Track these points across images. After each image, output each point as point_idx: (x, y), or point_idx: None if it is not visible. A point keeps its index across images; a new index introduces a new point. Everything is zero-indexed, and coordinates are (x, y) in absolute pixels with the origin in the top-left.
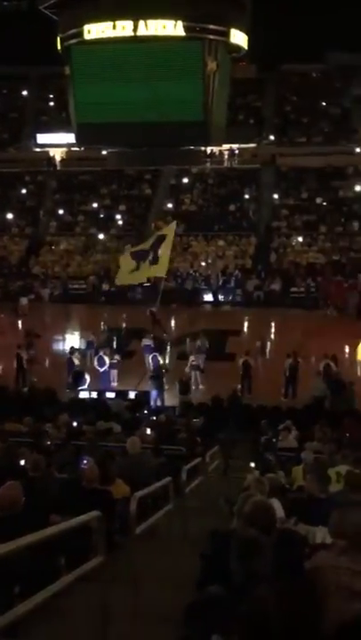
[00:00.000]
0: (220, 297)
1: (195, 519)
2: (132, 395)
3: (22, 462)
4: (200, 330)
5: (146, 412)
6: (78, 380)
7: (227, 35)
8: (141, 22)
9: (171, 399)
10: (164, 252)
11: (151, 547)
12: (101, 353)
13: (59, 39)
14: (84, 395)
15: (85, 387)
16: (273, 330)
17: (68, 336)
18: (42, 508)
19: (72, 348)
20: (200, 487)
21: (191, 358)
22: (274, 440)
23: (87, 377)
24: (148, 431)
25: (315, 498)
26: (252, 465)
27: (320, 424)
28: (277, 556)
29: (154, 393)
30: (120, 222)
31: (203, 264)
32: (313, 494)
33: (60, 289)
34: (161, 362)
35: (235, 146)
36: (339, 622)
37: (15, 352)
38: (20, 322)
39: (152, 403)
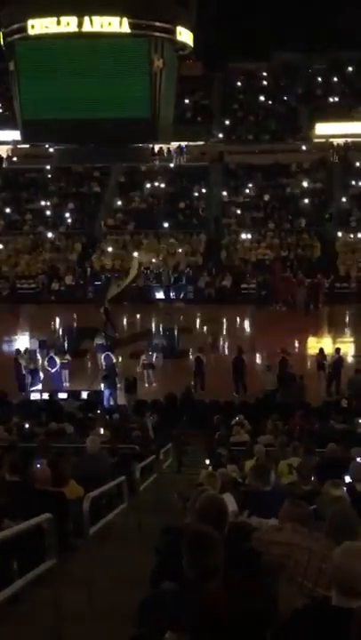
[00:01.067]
0: (172, 294)
1: (149, 516)
2: (84, 395)
3: None
4: (152, 328)
5: (99, 411)
6: (29, 380)
7: (173, 32)
8: (86, 18)
9: (124, 398)
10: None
11: (106, 546)
12: (52, 353)
13: (1, 34)
14: (35, 396)
15: (37, 387)
16: (224, 326)
17: (16, 337)
18: None
19: (17, 349)
20: (154, 485)
21: (142, 357)
22: (227, 435)
23: (37, 377)
24: (102, 431)
25: (260, 491)
26: (207, 461)
27: (272, 418)
28: (229, 550)
29: (107, 392)
30: (69, 220)
31: (153, 261)
32: (257, 488)
33: (7, 289)
34: (114, 360)
35: (183, 143)
36: (290, 609)
37: None
38: None
39: (105, 402)
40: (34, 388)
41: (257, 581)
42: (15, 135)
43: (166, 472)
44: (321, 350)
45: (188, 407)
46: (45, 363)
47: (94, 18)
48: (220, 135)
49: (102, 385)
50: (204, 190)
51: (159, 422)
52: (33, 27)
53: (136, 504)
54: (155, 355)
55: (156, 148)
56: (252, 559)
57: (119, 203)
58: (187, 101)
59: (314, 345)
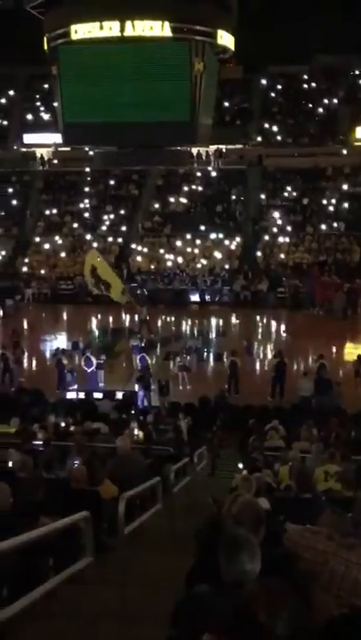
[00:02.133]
0: (207, 297)
1: (183, 519)
2: (119, 395)
3: (10, 463)
4: (187, 330)
5: (133, 412)
6: (68, 379)
7: (213, 36)
8: (128, 23)
9: (157, 400)
10: (106, 276)
11: (139, 547)
12: (88, 353)
13: (45, 39)
14: (71, 395)
15: (74, 387)
16: (260, 330)
17: (54, 336)
18: (30, 509)
19: (58, 348)
20: (188, 487)
21: (178, 359)
22: (261, 440)
23: (72, 377)
24: (136, 431)
25: (301, 497)
26: (240, 465)
27: (307, 424)
28: (266, 554)
29: (141, 393)
30: (107, 222)
31: (190, 264)
32: (296, 495)
33: (47, 289)
34: (149, 362)
35: (222, 147)
36: (327, 618)
37: (0, 352)
38: (5, 323)
39: (139, 403)
40: (70, 388)
41: (293, 586)
42: (56, 138)
43: (200, 475)
44: (359, 357)
45: (221, 411)
46: (82, 362)
47: (136, 22)
48: (259, 138)
49: (136, 386)
50: (241, 194)
51: (193, 425)
52: (76, 32)
53: (170, 506)
54: (189, 357)
55: (195, 150)
56: (288, 564)
57: (156, 205)
58: (226, 104)
59: (351, 351)
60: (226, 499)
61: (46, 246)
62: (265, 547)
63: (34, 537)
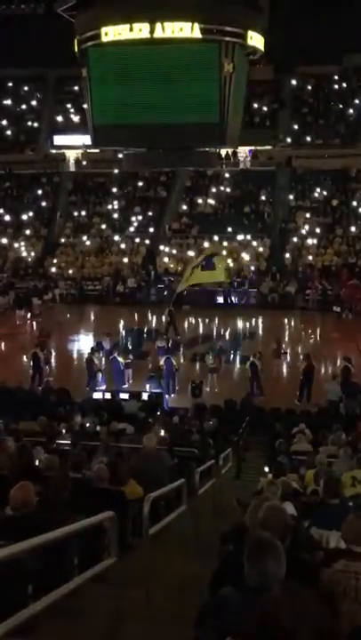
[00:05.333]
0: (235, 299)
1: (207, 521)
2: (145, 396)
3: (37, 462)
4: (215, 332)
5: (159, 413)
6: (97, 379)
7: (243, 37)
8: (158, 25)
9: (183, 401)
10: (219, 262)
11: (164, 548)
12: (116, 354)
13: (75, 41)
14: (97, 395)
15: (102, 387)
16: (288, 332)
17: (82, 336)
18: (55, 507)
19: (92, 348)
20: (213, 489)
21: (209, 360)
22: (288, 444)
23: (101, 377)
24: (162, 432)
25: (327, 502)
26: (266, 468)
27: (334, 428)
28: (291, 560)
29: (166, 394)
30: (135, 224)
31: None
32: (323, 500)
33: (74, 289)
34: (174, 364)
35: (251, 148)
36: (351, 626)
37: (32, 351)
38: (33, 322)
39: (165, 404)
40: (96, 388)
41: (319, 591)
42: (86, 140)
43: (225, 477)
44: None
45: (248, 413)
46: (108, 362)
47: (166, 24)
48: (289, 139)
49: (147, 385)
50: (270, 195)
51: (218, 427)
52: (106, 34)
53: (195, 508)
54: (216, 359)
55: (223, 152)
56: (314, 571)
57: (184, 207)
58: (255, 105)
59: None
60: (251, 502)
61: (74, 247)
62: (290, 552)
63: (59, 535)
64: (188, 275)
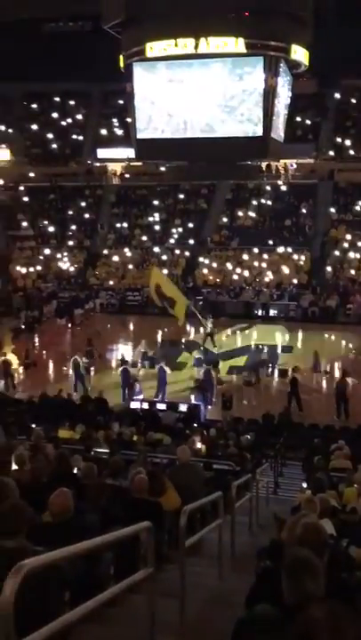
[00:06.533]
0: (274, 312)
1: (243, 535)
2: (183, 407)
3: (75, 470)
4: (252, 345)
5: (196, 425)
6: (133, 390)
7: (288, 51)
8: (203, 40)
9: (219, 413)
10: (171, 293)
11: (199, 561)
12: (162, 364)
13: (121, 57)
14: (135, 405)
15: (140, 397)
16: (327, 347)
17: (122, 346)
18: (93, 515)
19: (124, 358)
20: (249, 504)
21: (244, 373)
22: (326, 460)
23: (138, 387)
24: (199, 445)
25: None
26: (304, 485)
27: None
28: (329, 578)
29: (202, 406)
30: (175, 236)
31: (256, 279)
32: None
33: (115, 300)
34: (213, 375)
35: (293, 161)
36: None
37: (74, 359)
38: (74, 331)
39: (202, 417)
40: (134, 398)
41: (357, 610)
42: (129, 153)
43: (262, 492)
44: None
45: (286, 428)
46: (157, 373)
47: (210, 39)
48: (332, 153)
49: (192, 396)
50: (311, 208)
51: (255, 441)
52: (152, 49)
53: (231, 521)
54: (254, 372)
55: (264, 164)
56: (352, 591)
57: (225, 219)
58: (299, 119)
59: None
60: (289, 518)
61: (115, 258)
62: (328, 571)
63: (97, 544)
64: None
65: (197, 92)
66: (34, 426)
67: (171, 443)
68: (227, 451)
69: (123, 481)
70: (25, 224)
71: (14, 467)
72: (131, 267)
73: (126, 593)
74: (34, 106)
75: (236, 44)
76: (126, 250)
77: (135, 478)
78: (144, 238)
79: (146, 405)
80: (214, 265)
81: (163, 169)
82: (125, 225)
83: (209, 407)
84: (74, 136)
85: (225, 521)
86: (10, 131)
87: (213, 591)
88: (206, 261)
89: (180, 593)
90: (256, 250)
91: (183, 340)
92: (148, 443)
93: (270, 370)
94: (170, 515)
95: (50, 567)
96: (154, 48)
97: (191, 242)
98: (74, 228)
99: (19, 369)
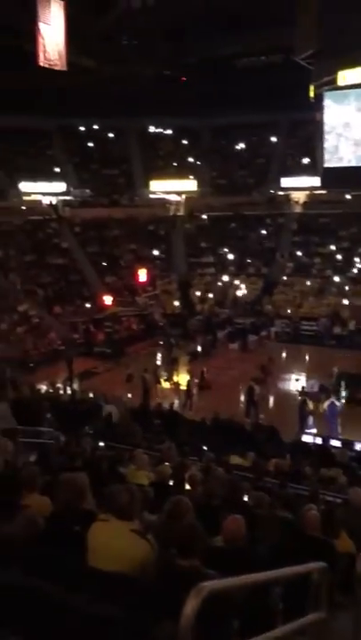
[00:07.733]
0: None
1: None
2: (358, 446)
3: (245, 498)
4: None
5: None
6: (306, 422)
7: None
8: None
9: None
10: None
11: None
12: (333, 399)
13: (312, 87)
14: (307, 439)
15: (313, 430)
16: None
17: (295, 376)
18: (263, 546)
19: (304, 390)
20: None
21: None
22: None
23: (312, 420)
24: None
25: None
26: None
27: None
28: None
29: None
30: (359, 265)
31: None
32: None
33: (290, 328)
34: None
35: None
36: None
37: (249, 386)
38: (247, 358)
39: None
40: (308, 431)
41: None
42: (314, 181)
43: None
44: None
45: None
46: (325, 407)
47: None
48: None
49: None
50: None
51: None
52: (344, 78)
53: None
54: None
55: None
56: None
57: None
58: None
59: None
60: None
61: (293, 286)
62: None
63: (273, 577)
64: None
65: None
66: (205, 448)
67: (345, 482)
68: None
69: (292, 515)
70: (206, 251)
71: (187, 486)
72: (310, 297)
73: (297, 635)
74: (220, 138)
75: None
76: (305, 278)
77: (308, 514)
78: (324, 267)
79: (319, 440)
80: None
81: (348, 197)
82: (305, 253)
83: None
84: (259, 166)
85: None
86: (198, 162)
87: None
88: None
89: None
90: None
91: None
92: (320, 479)
93: None
94: (343, 557)
95: (226, 592)
96: (346, 77)
97: None
98: (253, 256)
99: (193, 390)
